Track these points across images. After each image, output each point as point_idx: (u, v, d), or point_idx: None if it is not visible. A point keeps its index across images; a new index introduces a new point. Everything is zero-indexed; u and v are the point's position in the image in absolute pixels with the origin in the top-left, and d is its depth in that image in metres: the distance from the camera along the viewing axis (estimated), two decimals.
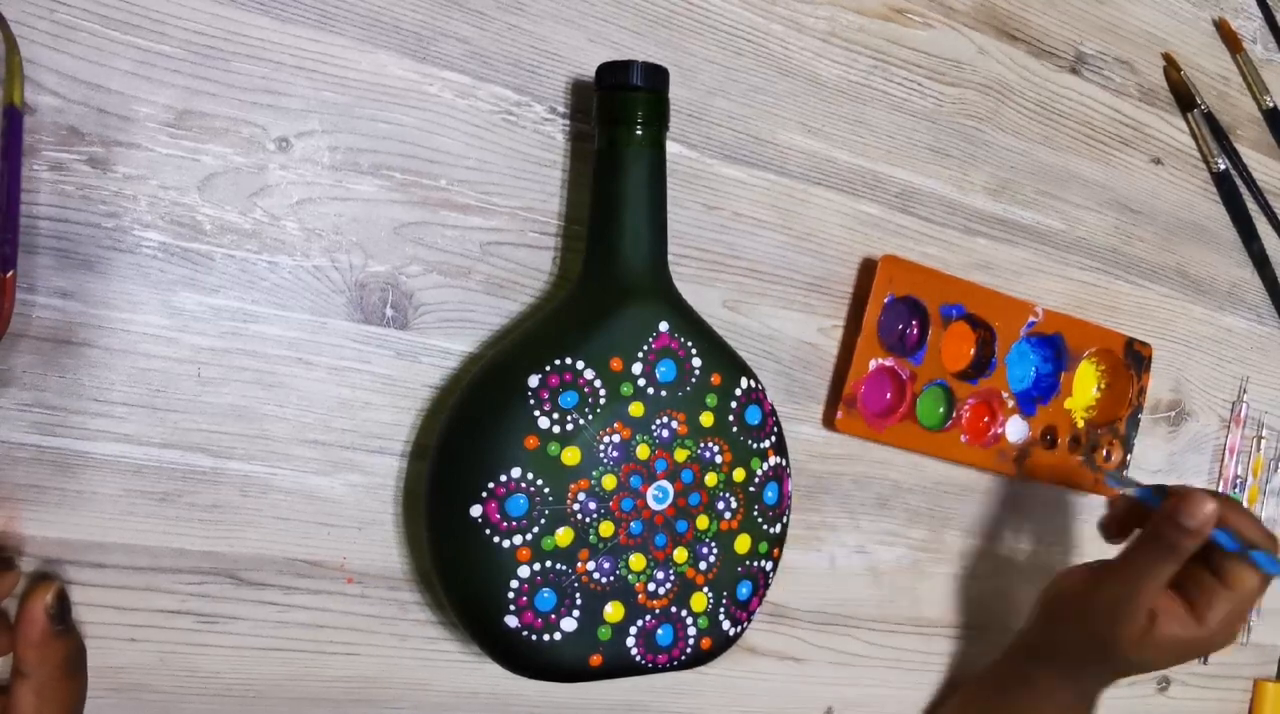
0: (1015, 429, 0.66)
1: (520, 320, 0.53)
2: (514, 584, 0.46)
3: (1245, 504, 0.77)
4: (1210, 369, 0.76)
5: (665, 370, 0.48)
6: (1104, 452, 0.69)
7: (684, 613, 0.49)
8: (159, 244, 0.46)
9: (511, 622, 0.46)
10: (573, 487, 0.47)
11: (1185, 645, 0.54)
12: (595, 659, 0.48)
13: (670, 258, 0.51)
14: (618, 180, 0.49)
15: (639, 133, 0.49)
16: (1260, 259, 0.77)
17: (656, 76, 0.49)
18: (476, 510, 0.46)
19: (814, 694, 0.63)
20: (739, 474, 0.50)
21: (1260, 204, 0.76)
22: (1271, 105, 0.76)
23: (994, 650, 0.68)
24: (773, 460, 0.52)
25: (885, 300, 0.60)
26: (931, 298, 0.61)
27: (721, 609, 0.50)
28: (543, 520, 0.46)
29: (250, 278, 0.48)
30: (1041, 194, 0.68)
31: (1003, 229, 0.67)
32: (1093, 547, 0.72)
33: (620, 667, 0.48)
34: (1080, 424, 0.68)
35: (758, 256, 0.59)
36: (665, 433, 0.48)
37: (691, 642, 0.50)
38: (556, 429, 0.46)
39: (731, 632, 0.51)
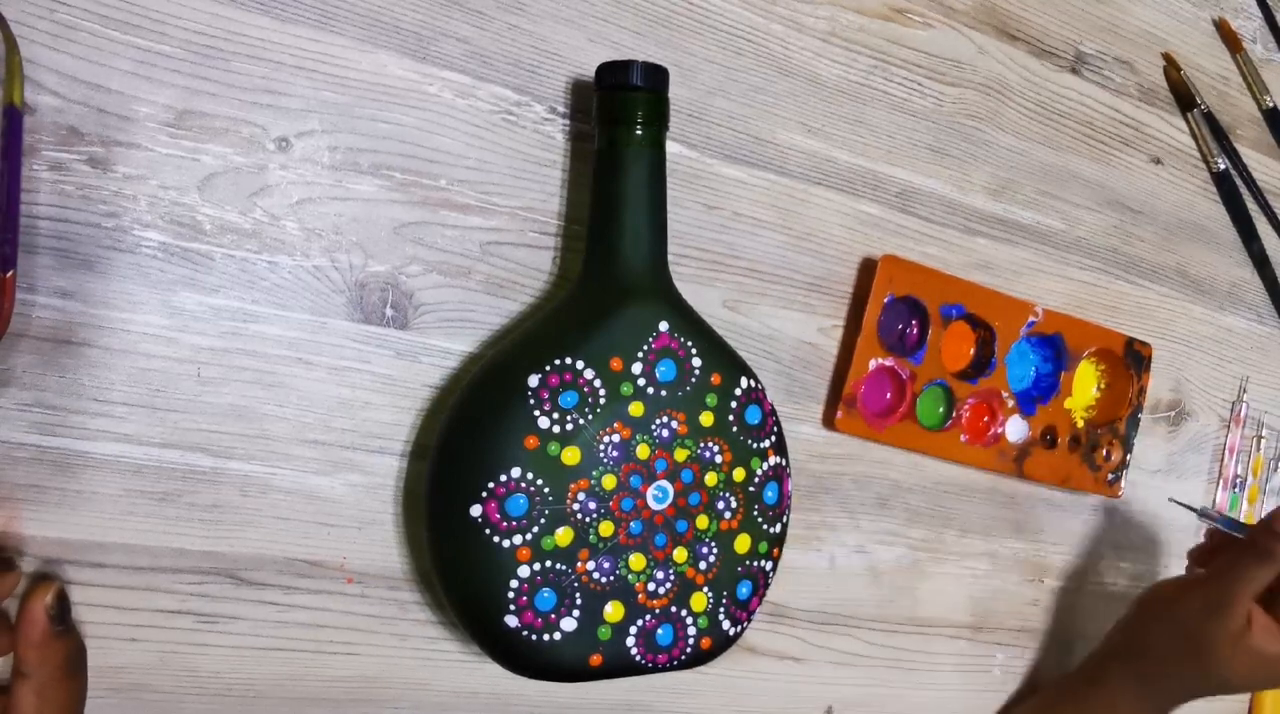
0: (1015, 429, 0.66)
1: (520, 320, 0.53)
2: (514, 584, 0.46)
3: (1245, 504, 0.77)
4: (1210, 369, 0.76)
5: (665, 370, 0.48)
6: (1104, 451, 0.69)
7: (684, 613, 0.49)
8: (159, 244, 0.46)
9: (511, 621, 0.46)
10: (573, 486, 0.47)
11: (1272, 664, 0.57)
12: (595, 659, 0.48)
13: (670, 258, 0.51)
14: (618, 180, 0.49)
15: (639, 133, 0.49)
16: (1260, 259, 0.77)
17: (656, 76, 0.49)
18: (476, 510, 0.46)
19: (814, 694, 0.63)
20: (739, 474, 0.50)
21: (1260, 204, 0.76)
22: (1271, 105, 0.76)
23: (995, 650, 0.68)
24: (773, 460, 0.52)
25: (885, 300, 0.60)
26: (931, 298, 0.61)
27: (721, 609, 0.50)
28: (543, 520, 0.46)
29: (250, 278, 0.48)
30: (1041, 194, 0.68)
31: (1003, 229, 0.67)
32: (1092, 545, 0.72)
33: (620, 667, 0.48)
34: (1080, 424, 0.68)
35: (758, 256, 0.59)
36: (665, 433, 0.48)
37: (691, 642, 0.50)
38: (556, 429, 0.46)
39: (731, 632, 0.51)
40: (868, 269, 0.62)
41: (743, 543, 0.51)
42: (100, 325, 0.46)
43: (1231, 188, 0.75)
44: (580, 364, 0.47)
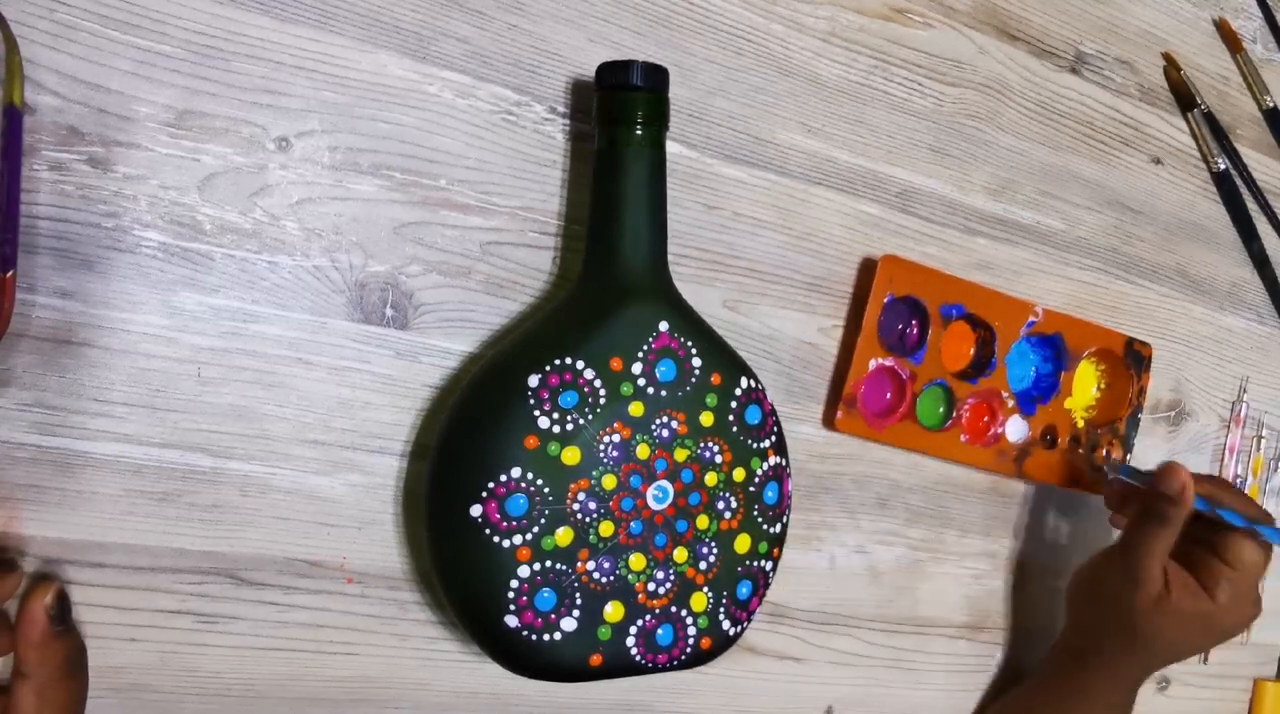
0: (1015, 429, 0.66)
1: (520, 320, 0.53)
2: (514, 584, 0.46)
3: None
4: (1210, 369, 0.76)
5: (665, 370, 0.48)
6: (1104, 451, 0.69)
7: (684, 613, 0.49)
8: (159, 244, 0.46)
9: (511, 621, 0.46)
10: (573, 486, 0.47)
11: (1203, 620, 0.58)
12: (595, 659, 0.48)
13: (670, 258, 0.51)
14: (618, 180, 0.49)
15: (639, 133, 0.49)
16: (1260, 259, 0.77)
17: (656, 76, 0.49)
18: (476, 510, 0.46)
19: (814, 694, 0.63)
20: (739, 474, 0.50)
21: (1260, 204, 0.76)
22: (1271, 105, 0.76)
23: (995, 650, 0.68)
24: (773, 460, 0.52)
25: (885, 300, 0.60)
26: (931, 298, 0.61)
27: (721, 609, 0.50)
28: (543, 520, 0.46)
29: (250, 278, 0.48)
30: (1041, 194, 0.68)
31: (1003, 229, 0.67)
32: (1092, 547, 0.72)
33: (620, 667, 0.48)
34: (1080, 424, 0.68)
35: (758, 256, 0.59)
36: (665, 433, 0.48)
37: (691, 641, 0.50)
38: (556, 429, 0.46)
39: (731, 632, 0.51)
40: (868, 269, 0.62)
41: (743, 543, 0.51)
42: (100, 325, 0.46)
43: (1231, 188, 0.75)
44: (580, 364, 0.47)
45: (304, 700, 0.51)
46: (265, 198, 0.48)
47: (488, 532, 0.46)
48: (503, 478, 0.46)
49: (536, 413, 0.46)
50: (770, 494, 0.51)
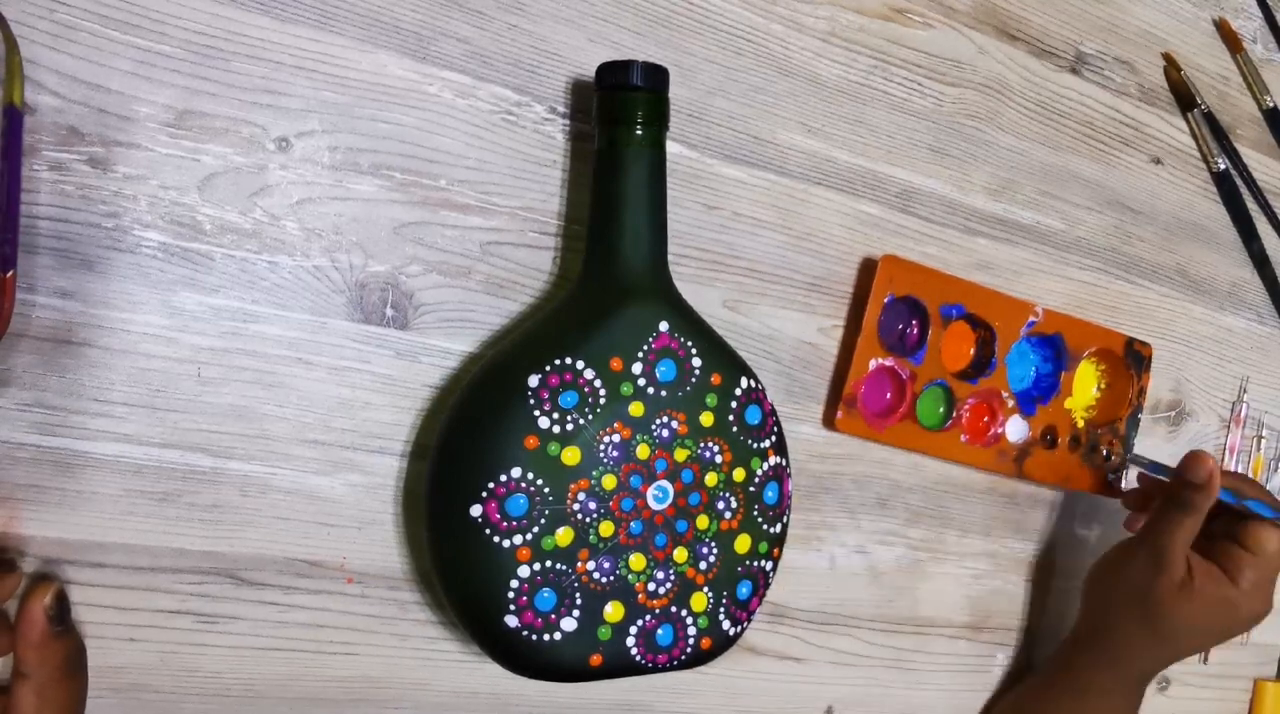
0: (1015, 429, 0.66)
1: (520, 320, 0.53)
2: (514, 584, 0.46)
3: None
4: (1210, 369, 0.76)
5: (665, 370, 0.48)
6: (1104, 451, 0.69)
7: (684, 613, 0.49)
8: (159, 244, 0.46)
9: (511, 622, 0.46)
10: (573, 486, 0.47)
11: (1224, 607, 0.59)
12: (595, 659, 0.48)
13: (670, 258, 0.51)
14: (618, 180, 0.49)
15: (639, 133, 0.49)
16: (1260, 259, 0.77)
17: (656, 76, 0.49)
18: (476, 510, 0.46)
19: (814, 694, 0.63)
20: (739, 474, 0.50)
21: (1260, 204, 0.76)
22: (1271, 105, 0.76)
23: (995, 650, 0.68)
24: (773, 460, 0.52)
25: (885, 300, 0.60)
26: (932, 298, 0.61)
27: (721, 609, 0.50)
28: (543, 520, 0.46)
29: (250, 278, 0.48)
30: (1041, 194, 0.68)
31: (1003, 229, 0.67)
32: (1092, 546, 0.72)
33: (620, 667, 0.48)
34: (1080, 424, 0.68)
35: (758, 256, 0.59)
36: (665, 433, 0.48)
37: (691, 642, 0.50)
38: (556, 429, 0.46)
39: (731, 632, 0.51)
40: (868, 269, 0.62)
41: (743, 543, 0.51)
42: (100, 325, 0.46)
43: (1231, 188, 0.75)
44: (580, 364, 0.47)
45: (304, 700, 0.51)
46: (265, 198, 0.48)
47: (488, 532, 0.46)
48: (503, 478, 0.46)
49: (536, 413, 0.46)
50: (770, 494, 0.51)
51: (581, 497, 0.47)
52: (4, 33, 0.43)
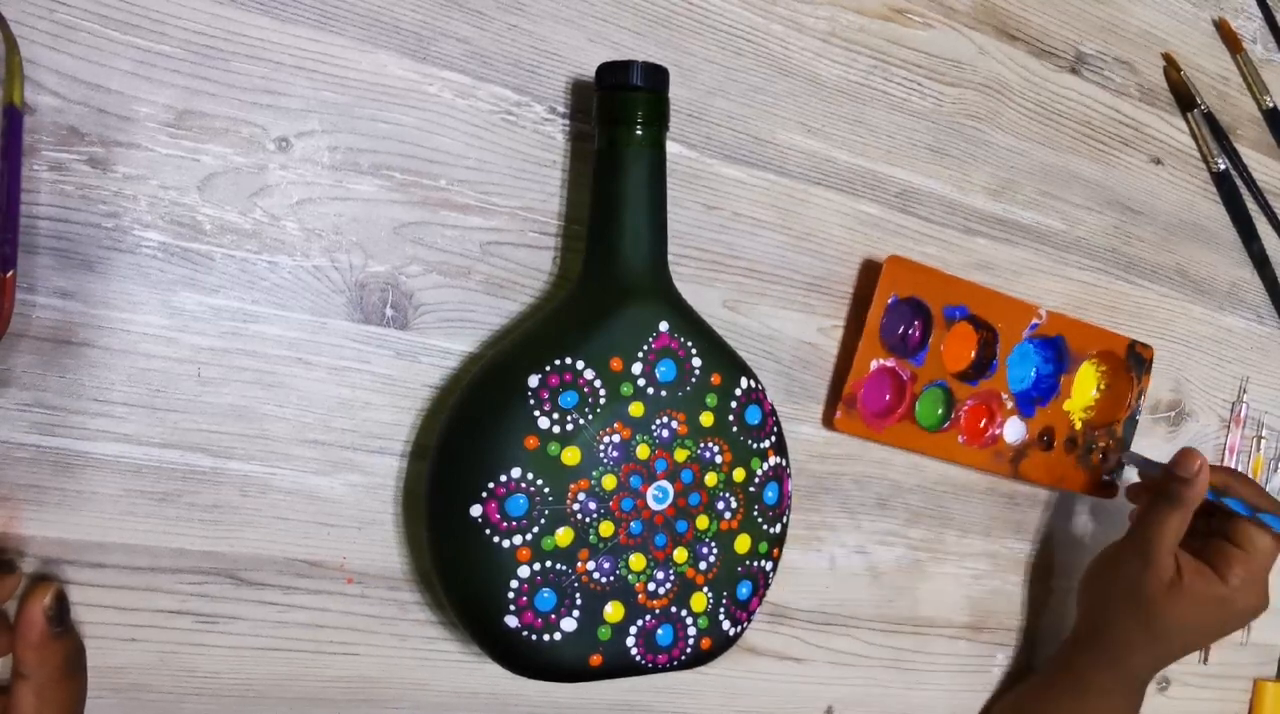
0: (1013, 430, 0.66)
1: (520, 320, 0.53)
2: (514, 584, 0.46)
3: None
4: (1210, 369, 0.76)
5: (665, 370, 0.48)
6: (1100, 453, 0.69)
7: (684, 613, 0.49)
8: (159, 244, 0.46)
9: (511, 622, 0.46)
10: (573, 487, 0.47)
11: (1216, 604, 0.59)
12: (595, 659, 0.48)
13: (670, 258, 0.51)
14: (618, 180, 0.49)
15: (639, 133, 0.49)
16: (1260, 259, 0.77)
17: (656, 76, 0.49)
18: (476, 510, 0.46)
19: (814, 694, 0.63)
20: (739, 474, 0.50)
21: (1260, 204, 0.76)
22: (1271, 105, 0.76)
23: (995, 650, 0.68)
24: (773, 460, 0.52)
25: (889, 301, 0.60)
26: (935, 299, 0.61)
27: (721, 609, 0.50)
28: (543, 520, 0.46)
29: (250, 278, 0.48)
30: (1041, 194, 0.68)
31: (1003, 229, 0.67)
32: (1092, 546, 0.72)
33: (620, 667, 0.48)
34: (1078, 425, 0.68)
35: (758, 256, 0.59)
36: (665, 433, 0.48)
37: (691, 642, 0.50)
38: (556, 429, 0.46)
39: (731, 632, 0.51)
40: (868, 269, 0.62)
41: (743, 543, 0.51)
42: (100, 325, 0.46)
43: (1231, 188, 0.75)
44: (580, 364, 0.47)
45: (304, 700, 0.51)
46: (265, 198, 0.48)
47: (488, 532, 0.46)
48: (503, 478, 0.46)
49: (536, 413, 0.46)
50: (770, 494, 0.51)
51: (581, 497, 0.47)
52: (4, 33, 0.43)
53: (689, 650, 0.50)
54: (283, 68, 0.48)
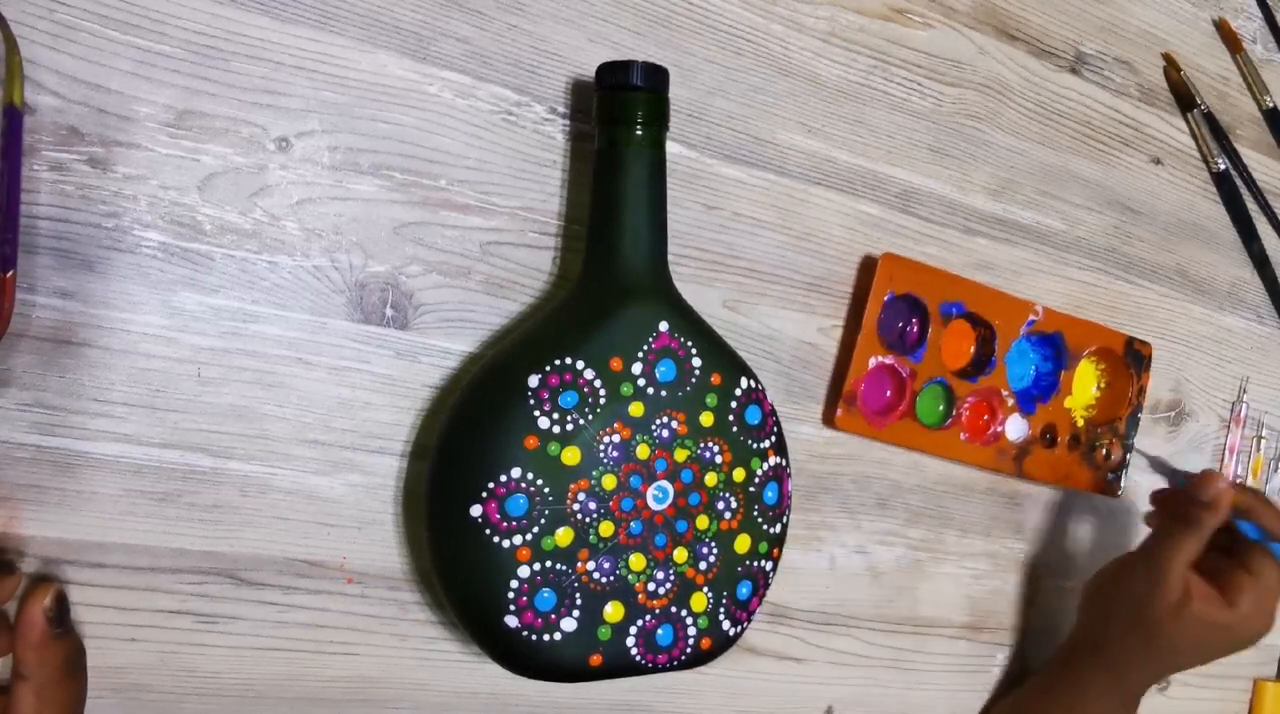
0: (1015, 427, 0.66)
1: (520, 320, 0.53)
2: (514, 584, 0.46)
3: None
4: (1210, 369, 0.76)
5: (665, 370, 0.48)
6: (1103, 451, 0.69)
7: (684, 613, 0.49)
8: (159, 244, 0.46)
9: (511, 622, 0.46)
10: (573, 487, 0.47)
11: (1221, 630, 0.58)
12: (595, 659, 0.48)
13: (670, 258, 0.51)
14: (618, 180, 0.49)
15: (639, 133, 0.49)
16: (1260, 259, 0.77)
17: (656, 76, 0.49)
18: (476, 510, 0.46)
19: (814, 694, 0.63)
20: (739, 474, 0.50)
21: (1260, 204, 0.76)
22: (1271, 105, 0.76)
23: (995, 650, 0.68)
24: (773, 460, 0.52)
25: (885, 298, 0.60)
26: (931, 296, 0.61)
27: (721, 609, 0.50)
28: (543, 520, 0.46)
29: (250, 278, 0.48)
30: (1041, 194, 0.68)
31: (1003, 229, 0.67)
32: (1092, 547, 0.72)
33: (620, 667, 0.48)
34: (1080, 423, 0.68)
35: (758, 256, 0.59)
36: (665, 433, 0.48)
37: (691, 642, 0.50)
38: (556, 429, 0.46)
39: (731, 632, 0.51)
40: (868, 268, 0.62)
41: (743, 543, 0.51)
42: (100, 325, 0.46)
43: (1231, 188, 0.75)
44: (580, 364, 0.47)
45: (304, 700, 0.51)
46: (265, 198, 0.48)
47: (488, 532, 0.46)
48: (503, 478, 0.46)
49: (536, 413, 0.46)
50: (770, 494, 0.51)
51: (581, 497, 0.47)
52: (4, 33, 0.43)
53: (689, 650, 0.50)
54: (283, 68, 0.48)
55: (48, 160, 0.44)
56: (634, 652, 0.48)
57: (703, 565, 0.50)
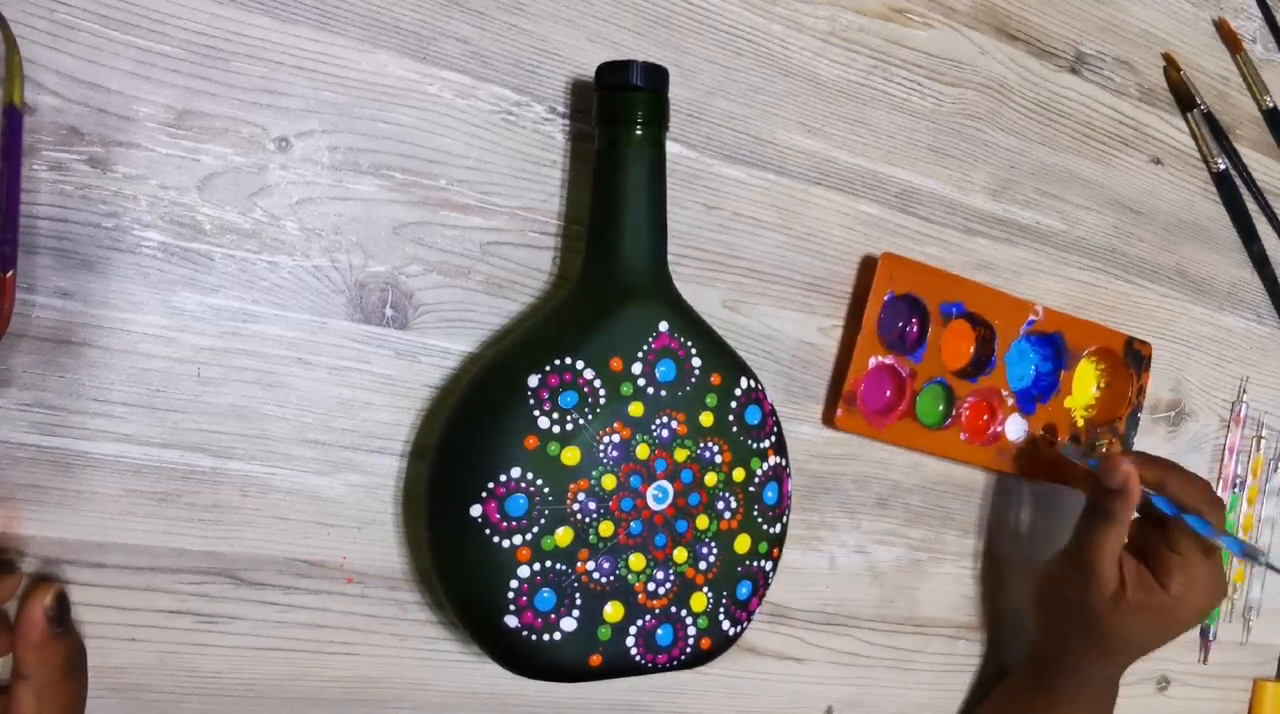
0: (1015, 427, 0.66)
1: (520, 320, 0.53)
2: (514, 584, 0.46)
3: (1244, 504, 0.77)
4: (1210, 369, 0.76)
5: (665, 370, 0.48)
6: (1103, 451, 0.69)
7: (684, 613, 0.49)
8: (159, 244, 0.46)
9: (511, 622, 0.46)
10: (572, 486, 0.47)
11: (1161, 613, 0.56)
12: (595, 659, 0.48)
13: (670, 258, 0.51)
14: (618, 180, 0.49)
15: (639, 133, 0.49)
16: (1260, 259, 0.77)
17: (656, 76, 0.49)
18: (476, 510, 0.46)
19: (814, 694, 0.63)
20: (739, 474, 0.50)
21: (1260, 204, 0.76)
22: (1271, 105, 0.76)
23: (997, 651, 0.68)
24: (772, 460, 0.52)
25: (885, 297, 0.60)
26: (931, 295, 0.61)
27: (721, 609, 0.50)
28: (543, 520, 0.46)
29: (250, 278, 0.48)
30: (1041, 194, 0.68)
31: (1003, 229, 0.67)
32: None
33: (620, 667, 0.48)
34: (1080, 423, 0.68)
35: (758, 256, 0.59)
36: (665, 433, 0.48)
37: (691, 642, 0.50)
38: (556, 429, 0.46)
39: (731, 632, 0.51)
40: (868, 268, 0.62)
41: (743, 543, 0.51)
42: (100, 325, 0.46)
43: (1231, 188, 0.75)
44: (580, 364, 0.47)
45: (304, 700, 0.51)
46: (265, 198, 0.48)
47: (488, 532, 0.46)
48: (503, 478, 0.46)
49: (536, 413, 0.46)
50: (770, 494, 0.51)
51: (581, 497, 0.47)
52: (4, 33, 0.43)
53: (689, 650, 0.50)
54: (283, 68, 0.48)
55: (48, 160, 0.44)
56: (634, 652, 0.48)
57: (703, 565, 0.50)
